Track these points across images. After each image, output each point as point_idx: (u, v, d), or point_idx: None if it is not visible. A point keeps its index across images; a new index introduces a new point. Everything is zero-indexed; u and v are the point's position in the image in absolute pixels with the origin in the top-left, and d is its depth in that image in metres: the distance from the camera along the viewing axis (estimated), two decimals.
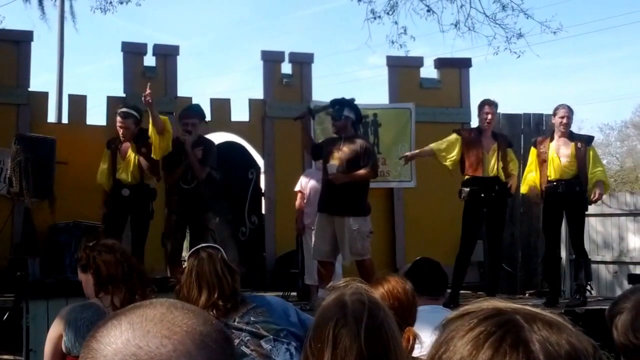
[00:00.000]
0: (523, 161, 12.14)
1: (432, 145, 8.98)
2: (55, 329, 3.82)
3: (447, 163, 8.80)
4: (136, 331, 1.03)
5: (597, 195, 8.48)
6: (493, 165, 8.57)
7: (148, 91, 7.90)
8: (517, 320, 1.04)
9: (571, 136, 8.65)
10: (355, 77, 70.55)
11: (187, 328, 1.05)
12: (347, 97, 8.48)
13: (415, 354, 2.92)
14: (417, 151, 9.53)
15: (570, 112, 8.59)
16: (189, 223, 8.60)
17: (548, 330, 1.03)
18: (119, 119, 8.40)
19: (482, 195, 8.57)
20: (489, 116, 8.64)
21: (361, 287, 2.33)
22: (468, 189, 8.65)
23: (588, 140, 8.84)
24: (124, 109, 8.48)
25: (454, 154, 8.73)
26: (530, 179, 8.86)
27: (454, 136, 8.85)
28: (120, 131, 8.36)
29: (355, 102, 8.52)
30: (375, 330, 2.15)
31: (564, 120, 8.54)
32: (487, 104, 8.76)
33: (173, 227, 8.56)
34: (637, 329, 2.30)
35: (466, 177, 8.71)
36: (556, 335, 1.03)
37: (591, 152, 8.65)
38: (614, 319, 2.39)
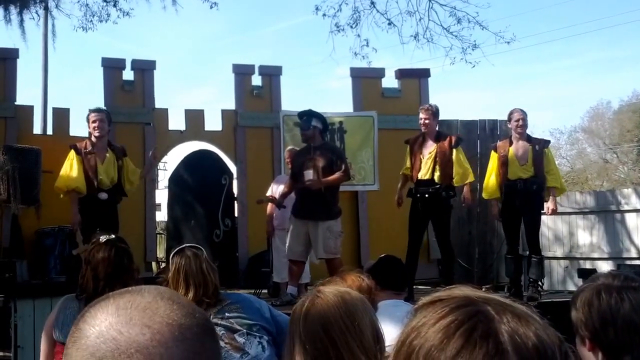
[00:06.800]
0: (479, 165, 12.36)
1: (402, 172, 9.02)
2: (51, 317, 3.86)
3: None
4: (120, 317, 1.03)
5: (549, 211, 8.52)
6: (428, 169, 8.60)
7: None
8: (487, 311, 1.03)
9: (529, 139, 8.70)
10: (322, 87, 70.74)
11: (168, 319, 1.04)
12: (314, 106, 8.51)
13: None
14: (400, 190, 9.04)
15: (524, 114, 8.63)
16: None
17: (517, 322, 1.02)
18: (93, 115, 8.08)
19: (418, 195, 8.66)
20: (426, 120, 8.67)
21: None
22: (408, 190, 8.83)
23: (545, 143, 8.83)
24: (94, 108, 8.29)
25: (409, 163, 8.84)
26: (491, 185, 8.90)
27: (406, 148, 8.96)
28: (97, 129, 8.02)
29: (321, 111, 8.57)
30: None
31: (520, 123, 8.63)
32: (421, 110, 8.83)
33: None
34: (592, 304, 2.36)
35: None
36: (525, 327, 1.01)
37: (548, 155, 8.67)
38: (576, 300, 2.44)
